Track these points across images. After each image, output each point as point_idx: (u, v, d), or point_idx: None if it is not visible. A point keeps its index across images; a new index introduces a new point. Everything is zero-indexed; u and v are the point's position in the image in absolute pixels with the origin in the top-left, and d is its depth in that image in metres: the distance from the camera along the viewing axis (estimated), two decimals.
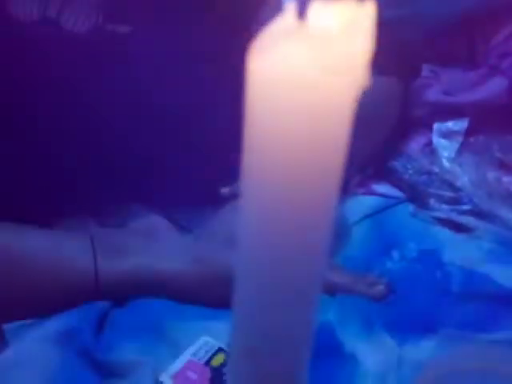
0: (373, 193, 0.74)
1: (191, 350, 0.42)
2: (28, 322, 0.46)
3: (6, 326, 0.45)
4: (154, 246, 0.54)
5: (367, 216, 0.69)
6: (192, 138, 0.65)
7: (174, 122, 0.62)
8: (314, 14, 0.09)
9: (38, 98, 0.56)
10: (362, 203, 0.72)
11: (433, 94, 0.85)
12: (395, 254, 0.62)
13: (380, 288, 0.54)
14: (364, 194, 0.74)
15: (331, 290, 0.54)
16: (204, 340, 0.43)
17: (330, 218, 0.15)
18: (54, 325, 0.44)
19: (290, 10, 0.09)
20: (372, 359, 0.44)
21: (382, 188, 0.75)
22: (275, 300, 0.17)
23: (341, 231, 0.68)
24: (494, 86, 0.82)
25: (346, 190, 0.74)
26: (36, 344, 0.42)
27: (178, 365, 0.41)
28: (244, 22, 0.40)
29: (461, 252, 0.62)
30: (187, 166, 0.64)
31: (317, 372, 0.43)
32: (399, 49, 0.78)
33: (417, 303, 0.52)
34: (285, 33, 0.09)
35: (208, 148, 0.65)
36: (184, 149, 0.64)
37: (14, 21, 0.51)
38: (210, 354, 0.41)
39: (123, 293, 0.51)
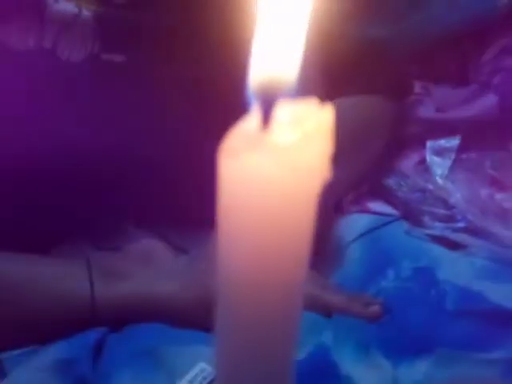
0: (367, 211, 0.75)
1: (188, 377, 0.43)
2: (26, 350, 0.47)
3: (5, 356, 0.46)
4: (150, 270, 0.54)
5: (362, 235, 0.70)
6: (191, 162, 0.65)
7: (169, 144, 0.62)
8: (277, 122, 0.10)
9: (33, 125, 0.56)
10: (357, 221, 0.72)
11: (425, 111, 0.86)
12: (390, 273, 0.63)
13: (375, 308, 0.54)
14: (358, 211, 0.74)
15: (327, 310, 0.55)
16: (200, 367, 0.43)
17: (298, 307, 0.15)
18: (52, 354, 0.45)
19: (254, 115, 0.10)
20: (367, 381, 0.44)
21: (376, 206, 0.75)
22: (251, 362, 0.17)
23: (335, 251, 0.68)
24: (485, 103, 0.83)
25: (341, 208, 0.75)
26: (34, 373, 0.43)
27: None
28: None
29: (455, 269, 0.62)
30: (183, 188, 0.65)
31: None
32: (390, 67, 0.79)
33: (411, 322, 0.53)
34: (250, 138, 0.10)
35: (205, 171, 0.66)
36: (182, 172, 0.65)
37: (9, 50, 0.52)
38: (206, 382, 0.42)
39: (120, 317, 0.51)
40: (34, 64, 0.53)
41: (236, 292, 0.15)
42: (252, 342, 0.19)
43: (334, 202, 0.71)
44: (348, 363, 0.47)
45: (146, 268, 0.54)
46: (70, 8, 0.53)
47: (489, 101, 0.82)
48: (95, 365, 0.45)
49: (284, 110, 0.10)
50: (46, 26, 0.53)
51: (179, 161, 0.64)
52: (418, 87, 0.90)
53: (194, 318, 0.51)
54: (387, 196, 0.76)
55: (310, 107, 0.10)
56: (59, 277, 0.52)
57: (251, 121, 0.10)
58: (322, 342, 0.49)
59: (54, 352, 0.45)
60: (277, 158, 0.09)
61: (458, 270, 0.62)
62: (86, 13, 0.53)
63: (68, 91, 0.54)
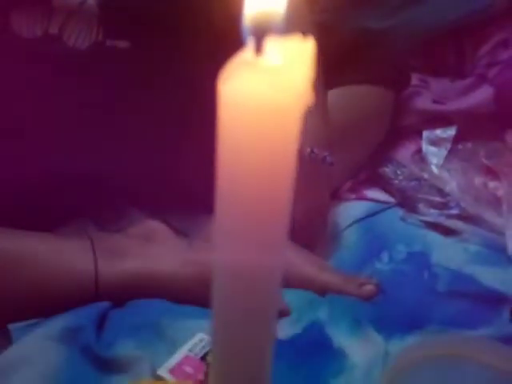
0: (364, 198, 0.77)
1: (187, 346, 0.45)
2: (33, 322, 0.49)
3: (12, 326, 0.48)
4: (152, 248, 0.56)
5: (358, 220, 0.72)
6: (191, 146, 0.67)
7: (176, 128, 0.64)
8: (268, 49, 0.12)
9: (40, 110, 0.58)
10: (354, 208, 0.74)
11: (422, 103, 0.88)
12: (385, 256, 0.65)
13: (369, 288, 0.56)
14: (356, 199, 0.76)
15: (323, 290, 0.56)
16: (200, 337, 0.45)
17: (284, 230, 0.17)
18: (58, 323, 0.47)
19: (249, 46, 0.12)
20: (359, 353, 0.46)
21: (374, 193, 0.77)
22: (240, 315, 0.19)
23: (333, 236, 0.70)
24: (481, 95, 0.84)
25: (339, 195, 0.77)
26: (40, 341, 0.45)
27: (175, 360, 0.43)
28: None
29: (448, 254, 0.64)
30: (185, 175, 0.67)
31: (307, 366, 0.46)
32: (389, 58, 0.81)
33: (404, 302, 0.55)
34: (245, 64, 0.11)
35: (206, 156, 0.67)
36: (183, 157, 0.67)
37: (17, 37, 0.54)
38: (205, 350, 0.44)
39: (122, 294, 0.53)
40: (41, 50, 0.55)
41: (231, 226, 0.17)
42: (240, 296, 0.21)
43: (332, 189, 0.73)
44: (341, 337, 0.48)
45: (148, 247, 0.56)
46: None
47: (485, 93, 0.84)
48: (99, 335, 0.47)
49: (273, 42, 0.12)
50: (52, 14, 0.55)
51: (181, 147, 0.66)
52: (416, 79, 0.92)
53: (194, 294, 0.52)
54: (384, 184, 0.78)
55: (295, 40, 0.12)
56: (64, 254, 0.54)
57: (246, 52, 0.12)
58: (318, 318, 0.51)
59: (60, 322, 0.47)
60: (267, 78, 0.11)
61: (450, 255, 0.64)
62: (91, 1, 0.55)
63: (74, 76, 0.56)
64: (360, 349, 0.46)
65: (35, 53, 0.54)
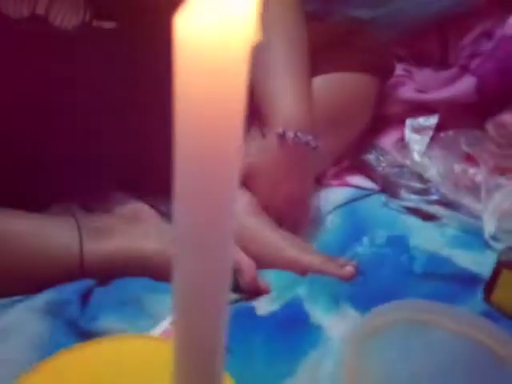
0: (347, 184, 0.78)
1: (168, 319, 0.46)
2: (17, 298, 0.50)
3: None
4: (137, 227, 0.57)
5: (341, 206, 0.73)
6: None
7: (159, 114, 0.65)
8: None
9: (26, 92, 0.59)
10: (337, 194, 0.76)
11: (406, 92, 0.89)
12: (365, 240, 0.66)
13: (349, 269, 0.58)
14: (339, 185, 0.78)
15: (304, 271, 0.58)
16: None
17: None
18: (43, 297, 0.48)
19: None
20: (335, 328, 0.47)
21: (357, 180, 0.79)
22: (196, 277, 0.20)
23: (316, 220, 0.72)
24: (463, 85, 0.86)
25: (322, 181, 0.78)
26: (25, 313, 0.46)
27: (156, 332, 0.44)
28: None
29: (426, 238, 0.66)
30: (170, 159, 0.68)
31: (285, 338, 0.47)
32: (373, 47, 0.82)
33: (381, 282, 0.56)
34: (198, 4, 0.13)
35: None
36: (169, 141, 0.68)
37: (3, 18, 0.55)
38: None
39: (107, 271, 0.54)
40: (28, 30, 0.55)
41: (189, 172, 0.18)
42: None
43: (316, 174, 0.74)
44: (319, 314, 0.50)
45: (133, 226, 0.57)
46: None
47: (467, 83, 0.86)
48: (83, 309, 0.48)
49: None
50: None
51: (167, 133, 0.67)
52: (400, 69, 0.93)
53: None
54: (367, 171, 0.80)
55: None
56: (49, 232, 0.55)
57: None
58: (297, 295, 0.52)
59: (45, 295, 0.48)
60: (217, 15, 0.12)
61: (429, 238, 0.66)
62: None
63: (61, 55, 0.56)
64: (336, 323, 0.48)
65: (22, 33, 0.55)
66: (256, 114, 0.67)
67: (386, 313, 0.35)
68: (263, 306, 0.51)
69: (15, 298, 0.50)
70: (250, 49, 0.13)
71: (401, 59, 0.96)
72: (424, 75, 0.94)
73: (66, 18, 0.56)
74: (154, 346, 0.27)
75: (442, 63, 0.96)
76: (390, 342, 0.34)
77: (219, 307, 0.23)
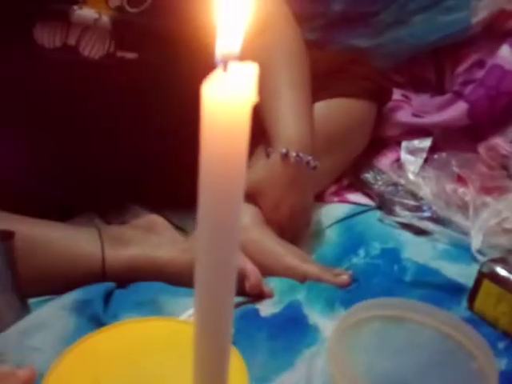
0: (346, 201, 0.84)
1: (182, 317, 0.52)
2: (49, 297, 0.56)
3: (32, 300, 0.54)
4: (152, 238, 0.63)
5: (340, 220, 0.79)
6: (190, 152, 0.74)
7: (176, 135, 0.71)
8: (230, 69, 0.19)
9: (57, 111, 0.66)
10: (336, 210, 0.81)
11: (403, 116, 0.95)
12: (361, 252, 0.72)
13: (344, 277, 0.63)
14: (338, 202, 0.84)
15: (303, 278, 0.64)
16: (193, 310, 0.52)
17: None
18: (70, 296, 0.54)
19: (220, 67, 0.19)
20: (331, 328, 0.53)
21: (355, 197, 0.85)
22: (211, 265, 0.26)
23: (316, 234, 0.77)
24: (456, 110, 0.92)
25: (323, 198, 0.84)
26: (55, 310, 0.52)
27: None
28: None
29: (418, 250, 0.71)
30: (184, 175, 0.74)
31: (284, 337, 0.53)
32: (372, 74, 0.88)
33: (373, 289, 0.62)
34: (217, 77, 0.19)
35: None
36: (182, 158, 0.74)
37: (39, 48, 0.61)
38: None
39: (126, 276, 0.60)
40: (60, 59, 0.62)
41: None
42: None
43: (317, 192, 0.80)
44: (316, 316, 0.55)
45: (149, 236, 0.63)
46: (91, 14, 0.62)
47: (460, 108, 0.92)
48: (105, 308, 0.54)
49: (233, 65, 0.19)
50: (70, 28, 0.62)
51: (181, 149, 0.73)
52: (398, 94, 1.00)
53: (189, 278, 0.59)
54: (365, 189, 0.86)
55: (245, 63, 0.19)
56: (74, 241, 0.61)
57: (218, 71, 0.19)
58: (296, 299, 0.58)
59: (72, 295, 0.54)
60: (231, 85, 0.18)
61: (420, 251, 0.71)
62: (105, 18, 0.63)
63: (88, 81, 0.63)
64: (331, 325, 0.53)
65: (55, 61, 0.62)
66: (261, 135, 0.73)
67: (367, 308, 0.40)
68: (266, 309, 0.57)
69: (46, 297, 0.56)
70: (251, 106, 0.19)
71: (399, 85, 1.02)
72: (421, 100, 1.00)
73: (94, 49, 0.63)
74: (177, 326, 0.33)
75: (438, 89, 1.02)
76: (371, 333, 0.39)
77: (229, 300, 0.28)
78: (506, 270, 0.59)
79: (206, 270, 0.27)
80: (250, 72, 0.18)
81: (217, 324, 0.29)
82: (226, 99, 0.18)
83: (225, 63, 0.19)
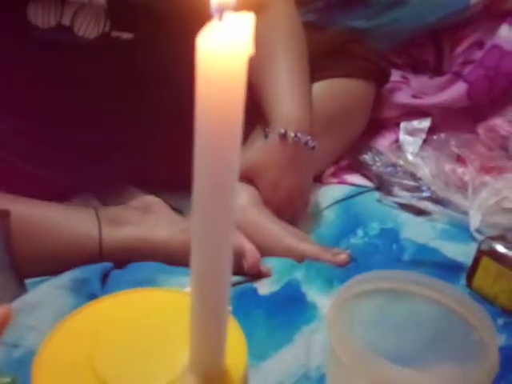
0: (345, 182, 0.84)
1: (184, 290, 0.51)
2: (46, 277, 0.55)
3: (29, 280, 0.54)
4: (149, 218, 0.63)
5: (338, 201, 0.79)
6: (187, 132, 0.74)
7: (170, 116, 0.71)
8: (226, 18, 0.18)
9: (52, 92, 0.65)
10: (335, 191, 0.81)
11: (402, 97, 0.95)
12: (359, 232, 0.72)
13: (342, 256, 0.63)
14: (337, 183, 0.83)
15: (302, 258, 0.63)
16: (189, 289, 0.52)
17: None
18: (68, 276, 0.54)
19: (215, 17, 0.19)
20: (328, 306, 0.53)
21: (353, 178, 0.84)
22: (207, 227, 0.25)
23: (314, 214, 0.77)
24: (455, 91, 0.92)
25: (322, 180, 0.84)
26: (52, 289, 0.52)
27: None
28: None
29: (416, 230, 0.71)
30: (181, 158, 0.73)
31: (283, 315, 0.53)
32: (370, 55, 0.87)
33: (372, 268, 0.61)
34: (212, 28, 0.18)
35: None
36: (180, 141, 0.73)
37: (33, 28, 0.61)
38: None
39: (123, 256, 0.60)
40: (54, 39, 0.61)
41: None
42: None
43: (316, 173, 0.80)
44: (314, 294, 0.55)
45: (146, 216, 0.63)
46: None
47: (458, 89, 0.91)
48: (102, 287, 0.54)
49: (229, 15, 0.18)
50: (64, 7, 0.61)
51: (178, 131, 0.73)
52: (397, 76, 0.99)
53: (186, 257, 0.59)
54: (363, 170, 0.85)
55: (242, 13, 0.18)
56: (72, 221, 0.61)
57: (214, 21, 0.19)
58: (295, 278, 0.58)
59: (70, 274, 0.54)
60: (231, 29, 0.18)
61: (419, 231, 0.71)
62: None
63: (83, 62, 0.63)
64: (329, 302, 0.53)
65: (49, 41, 0.61)
66: (260, 115, 0.73)
67: (367, 281, 0.40)
68: (264, 287, 0.57)
69: (43, 277, 0.56)
70: (248, 59, 0.19)
71: (398, 66, 1.02)
72: (419, 81, 0.99)
73: (89, 29, 0.62)
74: (172, 296, 0.33)
75: (437, 70, 1.01)
76: (370, 307, 0.39)
77: (226, 272, 0.28)
78: (504, 247, 0.59)
79: (202, 226, 0.27)
80: (246, 22, 0.18)
81: (214, 298, 0.29)
82: (222, 49, 0.17)
83: (220, 13, 0.18)
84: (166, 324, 0.31)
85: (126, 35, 0.64)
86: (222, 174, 0.22)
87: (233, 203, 0.26)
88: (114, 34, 0.64)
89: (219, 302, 0.29)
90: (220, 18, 0.18)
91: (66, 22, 0.62)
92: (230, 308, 0.52)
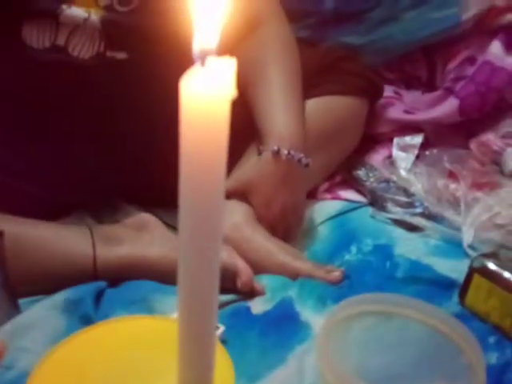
0: (339, 198, 0.84)
1: (173, 316, 0.51)
2: (40, 297, 0.56)
3: (22, 300, 0.54)
4: (143, 236, 0.63)
5: (332, 217, 0.79)
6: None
7: (164, 135, 0.71)
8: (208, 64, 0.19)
9: (47, 112, 0.65)
10: (329, 206, 0.82)
11: (395, 112, 0.96)
12: (353, 249, 0.72)
13: (336, 274, 0.64)
14: (331, 199, 0.84)
15: (295, 275, 0.64)
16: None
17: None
18: (61, 296, 0.54)
19: (198, 62, 0.19)
20: (318, 329, 0.53)
21: (347, 194, 0.85)
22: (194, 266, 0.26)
23: (308, 231, 0.77)
24: (447, 106, 0.93)
25: (315, 195, 0.84)
26: (45, 310, 0.52)
27: None
28: None
29: (410, 247, 0.72)
30: (173, 174, 0.74)
31: (276, 334, 0.53)
32: (363, 71, 0.88)
33: (365, 285, 0.62)
34: (195, 72, 0.19)
35: None
36: (171, 158, 0.74)
37: (28, 48, 0.61)
38: None
39: (117, 275, 0.60)
40: (49, 59, 0.62)
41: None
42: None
43: (309, 189, 0.80)
44: (308, 313, 0.56)
45: (141, 235, 0.63)
46: (80, 13, 0.62)
47: (450, 104, 0.92)
48: (96, 308, 0.54)
49: (211, 60, 0.19)
50: (59, 28, 0.62)
51: (173, 148, 0.73)
52: (390, 91, 1.00)
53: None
54: (357, 185, 0.86)
55: (223, 58, 0.19)
56: (66, 239, 0.61)
57: (196, 66, 0.19)
58: (288, 296, 0.58)
59: (63, 295, 0.54)
60: (210, 79, 0.18)
61: (412, 248, 0.72)
62: (94, 17, 0.62)
63: (78, 82, 0.63)
64: (320, 326, 0.53)
65: (44, 61, 0.62)
66: (253, 133, 0.73)
67: (356, 304, 0.41)
68: (258, 306, 0.57)
69: (36, 297, 0.56)
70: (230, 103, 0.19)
71: (391, 82, 1.03)
72: (412, 97, 1.00)
73: (84, 49, 0.63)
74: (165, 324, 0.33)
75: (430, 86, 1.02)
76: (360, 329, 0.39)
77: (212, 295, 0.28)
78: (496, 264, 0.59)
79: (188, 263, 0.27)
80: (228, 66, 0.18)
81: (201, 322, 0.29)
82: (204, 93, 0.18)
83: (203, 58, 0.19)
84: (156, 352, 0.31)
85: (121, 55, 0.65)
86: (207, 217, 0.23)
87: (219, 236, 0.27)
88: (109, 53, 0.64)
89: (206, 326, 0.29)
90: (202, 64, 0.19)
91: (61, 42, 0.62)
92: (222, 328, 0.52)
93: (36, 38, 0.61)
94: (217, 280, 0.29)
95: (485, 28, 0.96)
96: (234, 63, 0.19)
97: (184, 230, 0.24)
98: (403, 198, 0.81)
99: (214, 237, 0.24)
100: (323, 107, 0.84)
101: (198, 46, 0.19)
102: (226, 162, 0.22)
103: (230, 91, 0.18)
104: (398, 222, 0.78)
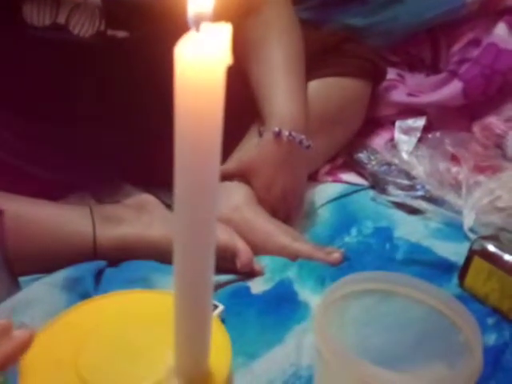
0: (340, 181, 0.84)
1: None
2: (40, 275, 0.56)
3: (22, 279, 0.55)
4: (143, 216, 0.63)
5: (333, 200, 0.79)
6: None
7: (163, 115, 0.71)
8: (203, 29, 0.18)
9: (48, 90, 0.65)
10: (330, 189, 0.81)
11: (398, 95, 0.95)
12: (353, 231, 0.72)
13: (336, 255, 0.64)
14: (332, 181, 0.84)
15: (295, 256, 0.64)
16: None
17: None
18: (61, 274, 0.54)
19: (192, 28, 0.19)
20: (316, 307, 0.53)
21: (348, 177, 0.85)
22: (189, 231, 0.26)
23: (309, 213, 0.77)
24: (451, 89, 0.92)
25: (317, 178, 0.84)
26: (45, 287, 0.52)
27: None
28: None
29: (410, 229, 0.72)
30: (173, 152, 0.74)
31: (275, 314, 0.53)
32: (366, 53, 0.87)
33: (365, 267, 0.62)
34: (190, 38, 0.18)
35: None
36: (171, 137, 0.74)
37: (28, 26, 0.61)
38: None
39: (117, 255, 0.60)
40: (49, 38, 0.61)
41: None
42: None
43: (311, 171, 0.80)
44: (306, 293, 0.56)
45: (140, 215, 0.63)
46: None
47: (454, 87, 0.91)
48: (95, 286, 0.54)
49: (206, 26, 0.19)
50: (60, 6, 0.62)
51: (170, 133, 0.73)
52: (393, 74, 0.99)
53: None
54: (358, 168, 0.85)
55: (218, 24, 0.18)
56: (66, 219, 0.61)
57: (191, 32, 0.19)
58: (287, 277, 0.58)
59: (63, 272, 0.54)
60: (205, 43, 0.18)
61: (412, 230, 0.72)
62: None
63: (79, 60, 0.63)
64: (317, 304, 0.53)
65: (44, 40, 0.61)
66: (255, 114, 0.73)
67: (355, 282, 0.41)
68: (257, 286, 0.57)
69: (36, 275, 0.56)
70: (225, 69, 0.19)
71: (394, 64, 1.02)
72: (416, 79, 0.99)
73: (84, 27, 0.62)
74: (162, 298, 0.33)
75: (434, 68, 1.01)
76: (358, 308, 0.39)
77: (208, 268, 0.28)
78: (496, 246, 0.59)
79: (184, 232, 0.27)
80: (223, 32, 0.18)
81: (196, 297, 0.29)
82: (199, 59, 0.18)
83: (197, 24, 0.18)
84: (153, 326, 0.31)
85: (122, 34, 0.64)
86: (203, 182, 0.23)
87: (214, 208, 0.26)
88: (110, 32, 0.64)
89: (202, 303, 0.30)
90: (197, 29, 0.18)
91: (62, 20, 0.62)
92: (221, 307, 0.52)
93: (36, 16, 0.61)
94: (212, 252, 0.29)
95: (490, 10, 0.95)
96: (229, 29, 0.18)
97: (180, 198, 0.24)
98: (405, 181, 0.80)
99: (209, 204, 0.24)
100: (326, 89, 0.83)
101: (192, 10, 0.18)
102: (222, 129, 0.21)
103: (226, 57, 0.18)
104: (399, 205, 0.77)
